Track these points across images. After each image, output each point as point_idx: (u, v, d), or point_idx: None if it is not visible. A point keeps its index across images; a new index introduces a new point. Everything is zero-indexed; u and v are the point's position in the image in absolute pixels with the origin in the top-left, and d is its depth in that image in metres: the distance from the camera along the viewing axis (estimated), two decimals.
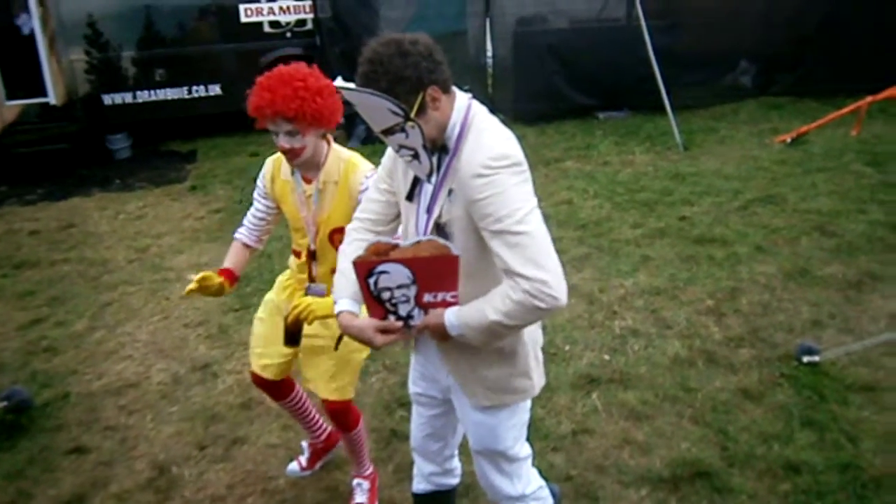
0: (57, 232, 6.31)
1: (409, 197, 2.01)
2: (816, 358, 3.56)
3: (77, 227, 6.41)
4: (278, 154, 2.52)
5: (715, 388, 3.49)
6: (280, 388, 2.85)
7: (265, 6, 8.46)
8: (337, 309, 2.05)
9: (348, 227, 2.19)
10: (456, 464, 2.42)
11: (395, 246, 1.93)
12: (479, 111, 1.93)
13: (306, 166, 2.48)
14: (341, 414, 2.72)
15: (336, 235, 2.50)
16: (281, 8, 8.51)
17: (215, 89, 8.50)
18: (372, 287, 1.91)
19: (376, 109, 1.81)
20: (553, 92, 8.62)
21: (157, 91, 8.55)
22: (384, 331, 1.96)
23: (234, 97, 8.57)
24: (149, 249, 5.74)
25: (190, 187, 7.30)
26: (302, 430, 3.15)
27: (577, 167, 6.99)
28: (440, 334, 1.94)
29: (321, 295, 2.52)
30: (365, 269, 1.90)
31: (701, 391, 3.47)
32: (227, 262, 2.67)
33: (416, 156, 1.88)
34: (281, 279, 2.82)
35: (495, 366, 2.05)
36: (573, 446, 3.16)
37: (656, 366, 3.70)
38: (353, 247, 2.07)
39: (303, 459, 3.14)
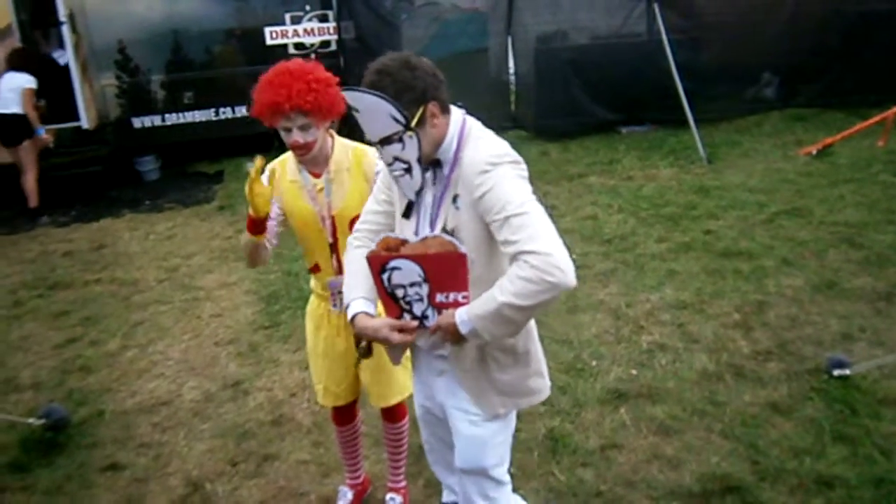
0: (89, 253, 6.45)
1: (406, 214, 2.05)
2: (847, 371, 3.53)
3: (108, 247, 6.55)
4: (280, 157, 2.55)
5: (744, 403, 3.47)
6: (352, 410, 2.92)
7: (290, 28, 8.61)
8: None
9: (348, 239, 2.21)
10: None
11: (405, 242, 1.97)
12: (474, 124, 2.00)
13: (315, 161, 2.48)
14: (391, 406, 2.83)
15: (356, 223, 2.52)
16: (305, 30, 8.66)
17: (242, 111, 8.64)
18: (386, 283, 1.94)
19: (379, 115, 1.86)
20: (575, 107, 8.65)
21: (185, 113, 8.73)
22: (400, 330, 1.98)
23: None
24: (178, 269, 5.84)
25: (218, 207, 7.42)
26: (343, 462, 3.08)
27: (601, 182, 7.00)
28: (453, 335, 1.93)
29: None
30: (378, 263, 1.94)
31: (730, 405, 3.46)
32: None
33: (408, 170, 1.94)
34: (311, 311, 2.76)
35: (510, 369, 2.07)
36: (602, 461, 3.16)
37: (684, 380, 3.69)
38: (354, 254, 2.11)
39: None
